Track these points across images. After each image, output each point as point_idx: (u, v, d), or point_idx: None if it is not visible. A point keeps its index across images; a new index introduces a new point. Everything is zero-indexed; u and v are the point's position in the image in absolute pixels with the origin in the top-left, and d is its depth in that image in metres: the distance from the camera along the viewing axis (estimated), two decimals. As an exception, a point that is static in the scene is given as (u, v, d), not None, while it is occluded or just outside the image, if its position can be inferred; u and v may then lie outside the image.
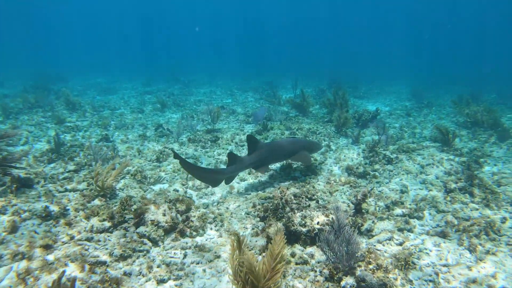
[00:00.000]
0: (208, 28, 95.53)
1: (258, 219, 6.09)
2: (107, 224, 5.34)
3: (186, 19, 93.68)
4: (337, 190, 7.20)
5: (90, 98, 21.05)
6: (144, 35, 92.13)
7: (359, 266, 4.31)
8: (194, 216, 5.92)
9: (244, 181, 8.31)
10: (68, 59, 51.74)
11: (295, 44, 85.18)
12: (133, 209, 5.70)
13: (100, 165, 6.98)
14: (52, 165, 8.70)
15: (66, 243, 4.94)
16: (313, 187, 7.07)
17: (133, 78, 31.95)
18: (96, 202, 6.41)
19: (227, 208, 6.64)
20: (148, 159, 9.42)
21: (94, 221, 5.47)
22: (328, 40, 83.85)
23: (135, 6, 76.27)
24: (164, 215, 5.43)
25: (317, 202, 5.87)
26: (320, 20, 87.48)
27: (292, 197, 5.80)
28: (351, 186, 7.40)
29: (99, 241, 5.03)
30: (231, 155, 7.02)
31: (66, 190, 6.99)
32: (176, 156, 6.39)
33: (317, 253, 4.92)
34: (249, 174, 8.64)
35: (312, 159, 9.45)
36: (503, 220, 5.90)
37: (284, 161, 8.59)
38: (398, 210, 6.15)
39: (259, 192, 7.58)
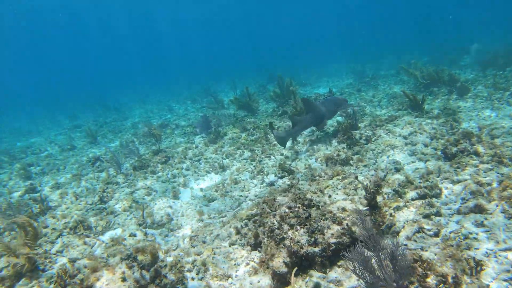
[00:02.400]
0: (124, 45, 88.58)
1: (249, 247, 4.70)
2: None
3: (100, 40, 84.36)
4: (328, 186, 6.01)
5: (7, 146, 18.13)
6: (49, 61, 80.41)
7: (412, 283, 3.12)
8: (166, 267, 4.39)
9: (212, 201, 6.87)
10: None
11: (220, 49, 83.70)
12: (77, 282, 4.04)
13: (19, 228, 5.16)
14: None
15: None
16: (299, 189, 5.82)
17: (56, 115, 28.65)
18: (23, 282, 4.60)
19: (204, 243, 5.18)
20: (89, 203, 7.61)
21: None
22: (252, 38, 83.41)
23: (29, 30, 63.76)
24: (124, 280, 3.84)
25: (318, 207, 4.61)
26: (238, 20, 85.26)
27: (287, 210, 4.48)
28: (341, 178, 6.24)
29: None
30: (293, 117, 8.46)
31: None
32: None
33: (343, 276, 3.66)
34: (216, 191, 7.21)
35: (282, 156, 8.33)
36: (527, 175, 5.06)
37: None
38: (411, 193, 5.06)
39: (236, 210, 6.20)
